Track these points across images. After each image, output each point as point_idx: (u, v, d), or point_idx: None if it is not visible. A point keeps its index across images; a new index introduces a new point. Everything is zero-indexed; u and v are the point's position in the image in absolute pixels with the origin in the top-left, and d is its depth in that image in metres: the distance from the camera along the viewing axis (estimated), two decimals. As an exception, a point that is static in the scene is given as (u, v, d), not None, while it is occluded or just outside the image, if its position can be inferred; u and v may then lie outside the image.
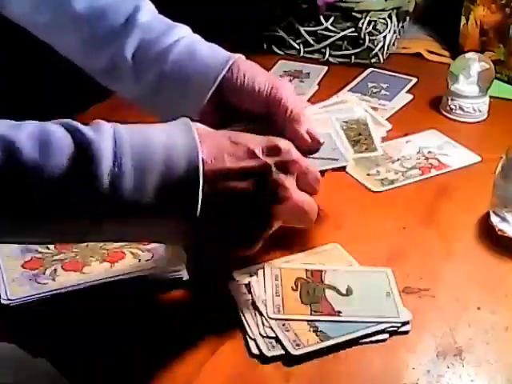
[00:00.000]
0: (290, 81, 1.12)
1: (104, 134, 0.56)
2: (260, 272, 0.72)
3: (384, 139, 0.87)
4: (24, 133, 0.54)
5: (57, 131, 0.55)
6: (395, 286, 0.71)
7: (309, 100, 1.06)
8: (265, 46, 1.21)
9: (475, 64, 1.03)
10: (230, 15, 1.24)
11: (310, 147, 0.76)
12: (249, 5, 1.21)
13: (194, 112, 0.78)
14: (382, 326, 0.66)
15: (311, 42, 1.19)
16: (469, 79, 1.03)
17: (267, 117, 0.78)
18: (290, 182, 0.62)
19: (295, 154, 0.63)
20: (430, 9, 1.32)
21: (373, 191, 0.87)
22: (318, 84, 1.12)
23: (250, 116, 0.79)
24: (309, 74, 1.15)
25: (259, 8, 1.20)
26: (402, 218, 0.83)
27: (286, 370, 0.63)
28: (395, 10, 1.19)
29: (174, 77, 0.78)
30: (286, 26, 1.20)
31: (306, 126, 0.77)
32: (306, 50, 1.20)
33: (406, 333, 0.67)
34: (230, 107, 0.78)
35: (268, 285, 0.70)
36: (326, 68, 1.17)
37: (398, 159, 0.93)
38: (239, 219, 0.60)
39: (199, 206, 0.57)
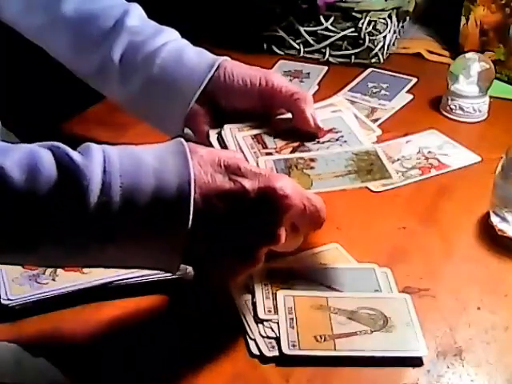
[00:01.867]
0: (290, 81, 1.12)
1: (93, 161, 0.55)
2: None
3: (375, 144, 0.87)
4: (12, 159, 0.53)
5: (45, 156, 0.54)
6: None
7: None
8: (265, 46, 1.21)
9: (475, 64, 1.03)
10: (230, 15, 1.24)
11: (313, 130, 0.77)
12: (249, 5, 1.21)
13: (180, 115, 0.78)
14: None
15: (311, 41, 1.19)
16: (469, 79, 1.03)
17: (260, 109, 0.78)
18: (281, 227, 0.60)
19: (294, 197, 0.60)
20: (430, 9, 1.32)
21: (373, 191, 0.87)
22: (318, 84, 1.12)
23: (241, 115, 0.79)
24: (309, 73, 1.15)
25: (259, 8, 1.20)
26: (402, 218, 0.83)
27: (286, 370, 0.63)
28: (395, 10, 1.19)
29: (161, 80, 0.78)
30: (286, 25, 1.20)
31: (312, 108, 0.77)
32: (305, 50, 1.20)
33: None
34: (221, 109, 0.79)
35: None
36: (325, 68, 1.17)
37: (398, 159, 0.93)
38: (225, 252, 0.59)
39: (188, 231, 0.56)
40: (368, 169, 0.73)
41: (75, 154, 0.55)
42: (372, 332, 0.65)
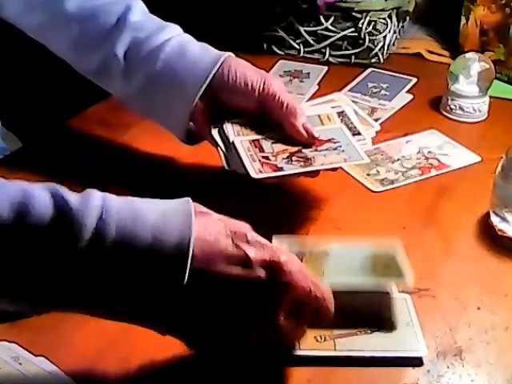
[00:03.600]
0: (290, 81, 1.12)
1: (89, 206, 0.52)
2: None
3: (373, 139, 0.88)
4: (4, 195, 0.51)
5: (39, 197, 0.52)
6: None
7: (308, 100, 1.06)
8: (265, 46, 1.21)
9: (475, 64, 1.03)
10: (230, 15, 1.24)
11: (305, 142, 0.77)
12: (249, 5, 1.21)
13: (185, 110, 0.78)
14: (399, 354, 0.64)
15: (311, 42, 1.19)
16: (469, 79, 1.03)
17: (260, 113, 0.78)
18: (278, 305, 0.56)
19: (298, 276, 0.56)
20: (430, 9, 1.32)
21: (373, 191, 0.87)
22: (318, 84, 1.12)
23: (242, 114, 0.79)
24: (309, 73, 1.15)
25: (259, 8, 1.20)
26: (402, 218, 0.83)
27: (286, 370, 0.63)
28: (395, 10, 1.19)
29: (165, 75, 0.78)
30: (286, 25, 1.20)
31: (303, 119, 0.77)
32: (305, 50, 1.20)
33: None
34: (222, 106, 0.79)
35: None
36: (325, 68, 1.17)
37: (398, 159, 0.93)
38: (218, 326, 0.56)
39: (178, 300, 0.54)
40: (383, 271, 0.68)
41: (72, 198, 0.52)
42: (372, 332, 0.65)
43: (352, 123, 0.81)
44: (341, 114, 0.82)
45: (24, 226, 0.51)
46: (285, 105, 0.77)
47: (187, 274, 0.52)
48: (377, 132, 0.89)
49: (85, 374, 0.63)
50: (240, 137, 0.78)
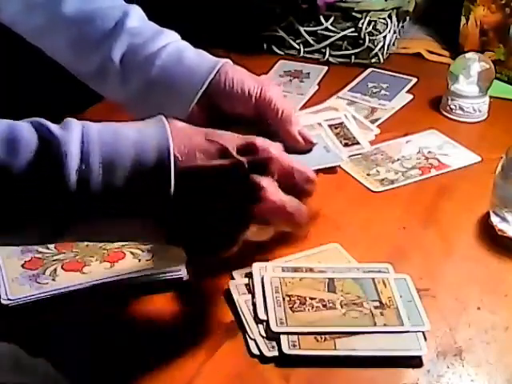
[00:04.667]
0: (290, 81, 1.12)
1: (72, 132, 0.56)
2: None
3: (372, 143, 0.88)
4: None
5: (25, 130, 0.55)
6: (416, 293, 0.69)
7: (309, 100, 1.06)
8: (265, 46, 1.21)
9: (475, 64, 1.03)
10: (230, 15, 1.24)
11: (302, 148, 0.77)
12: (249, 5, 1.21)
13: (180, 116, 0.78)
14: (399, 354, 0.65)
15: (311, 42, 1.19)
16: (469, 79, 1.03)
17: (257, 120, 0.78)
18: (266, 181, 0.60)
19: (275, 151, 0.61)
20: (430, 9, 1.32)
21: (373, 191, 0.87)
22: (318, 84, 1.12)
23: (240, 120, 0.79)
24: (309, 73, 1.15)
25: (259, 8, 1.20)
26: (402, 218, 0.83)
27: (286, 370, 0.63)
28: (395, 10, 1.19)
29: (161, 82, 0.78)
30: (286, 26, 1.20)
31: (298, 126, 0.77)
32: (306, 50, 1.20)
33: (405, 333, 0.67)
34: (220, 112, 0.79)
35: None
36: (325, 68, 1.17)
37: (398, 159, 0.93)
38: (212, 219, 0.59)
39: (170, 203, 0.57)
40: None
41: (54, 127, 0.56)
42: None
43: (351, 134, 0.81)
44: (339, 125, 0.82)
45: (15, 157, 0.54)
46: (280, 112, 0.77)
47: (173, 176, 0.56)
48: (376, 135, 0.89)
49: (84, 374, 0.63)
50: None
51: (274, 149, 0.61)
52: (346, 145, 0.77)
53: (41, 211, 0.55)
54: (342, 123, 0.81)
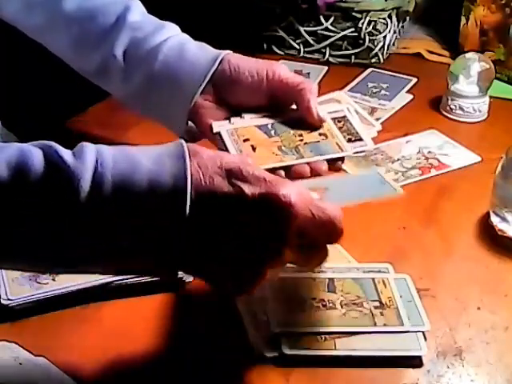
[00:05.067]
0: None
1: (85, 161, 0.53)
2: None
3: (374, 139, 0.87)
4: (1, 157, 0.52)
5: (35, 155, 0.53)
6: (416, 293, 0.69)
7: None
8: (265, 46, 1.21)
9: (475, 64, 1.03)
10: (230, 15, 1.24)
11: (315, 123, 0.76)
12: (249, 5, 1.21)
13: (183, 110, 0.78)
14: (399, 354, 0.64)
15: (311, 41, 1.19)
16: (469, 79, 1.03)
17: (271, 104, 0.78)
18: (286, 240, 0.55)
19: (299, 205, 0.55)
20: (430, 9, 1.32)
21: (373, 191, 0.87)
22: (318, 84, 1.11)
23: (250, 107, 0.78)
24: (309, 74, 1.15)
25: (259, 8, 1.20)
26: (402, 218, 0.83)
27: (286, 370, 0.63)
28: (395, 10, 1.19)
29: (163, 75, 0.78)
30: (286, 25, 1.20)
31: (315, 100, 0.76)
32: (306, 49, 1.20)
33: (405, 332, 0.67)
34: (229, 102, 0.78)
35: None
36: (325, 68, 1.17)
37: (398, 159, 0.93)
38: (225, 265, 0.56)
39: (179, 242, 0.54)
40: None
41: (66, 154, 0.53)
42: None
43: (354, 129, 0.81)
44: (342, 119, 0.82)
45: (22, 185, 0.52)
46: (300, 83, 0.76)
47: (186, 218, 0.53)
48: (378, 132, 0.88)
49: (85, 373, 0.63)
50: (238, 123, 0.77)
51: (299, 199, 0.55)
52: (349, 140, 0.77)
53: (46, 240, 0.53)
54: (344, 116, 0.81)
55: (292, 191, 0.55)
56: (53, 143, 0.54)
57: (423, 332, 0.66)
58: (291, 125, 0.77)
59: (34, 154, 0.53)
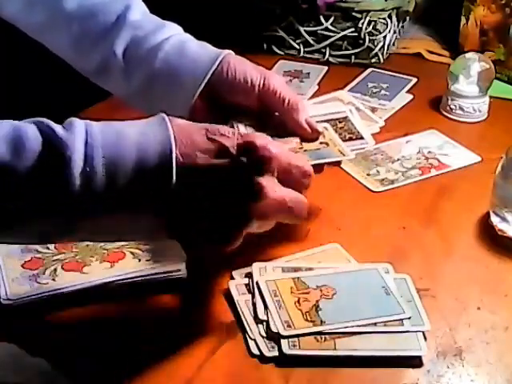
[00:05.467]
0: (290, 81, 1.12)
1: (76, 134, 0.56)
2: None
3: (374, 135, 0.87)
4: None
5: (29, 130, 0.55)
6: (416, 293, 0.70)
7: (308, 100, 1.06)
8: (265, 46, 1.21)
9: (475, 64, 1.03)
10: (230, 15, 1.24)
11: (309, 137, 0.77)
12: (249, 5, 1.21)
13: (184, 109, 0.78)
14: (399, 354, 0.64)
15: (311, 42, 1.19)
16: (469, 79, 1.03)
17: (260, 110, 0.78)
18: (266, 179, 0.60)
19: (274, 150, 0.61)
20: (430, 9, 1.32)
21: (373, 191, 0.87)
22: (318, 84, 1.12)
23: (242, 110, 0.79)
24: (309, 73, 1.15)
25: (259, 8, 1.20)
26: (402, 218, 0.83)
27: (286, 370, 0.63)
28: (395, 10, 1.19)
29: (164, 74, 0.79)
30: (286, 25, 1.20)
31: (305, 114, 0.77)
32: (305, 50, 1.20)
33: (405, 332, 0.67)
34: (222, 103, 0.79)
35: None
36: (325, 68, 1.17)
37: (398, 159, 0.93)
38: (211, 215, 0.59)
39: (170, 200, 0.57)
40: None
41: (58, 128, 0.56)
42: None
43: (355, 128, 0.81)
44: (344, 119, 0.82)
45: (19, 158, 0.54)
46: (286, 100, 0.77)
47: (174, 176, 0.57)
48: (381, 128, 0.88)
49: (85, 373, 0.63)
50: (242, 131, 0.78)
51: (274, 146, 0.61)
52: (349, 139, 0.77)
53: (44, 211, 0.56)
54: (346, 117, 0.81)
55: (270, 142, 0.61)
56: (44, 119, 0.57)
57: (423, 332, 0.66)
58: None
59: (28, 129, 0.56)
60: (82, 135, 0.56)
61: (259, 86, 0.77)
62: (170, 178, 0.57)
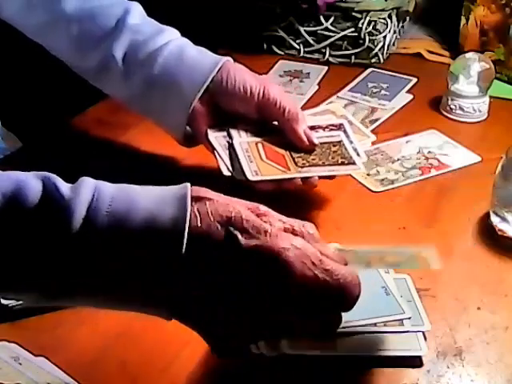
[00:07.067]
0: (290, 81, 1.12)
1: (81, 195, 0.51)
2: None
3: (368, 146, 0.88)
4: None
5: (32, 186, 0.51)
6: (416, 293, 0.69)
7: (309, 100, 1.06)
8: (265, 46, 1.21)
9: (475, 64, 1.03)
10: (230, 15, 1.24)
11: (306, 148, 0.77)
12: (249, 5, 1.21)
13: (182, 114, 0.78)
14: (399, 354, 0.64)
15: (311, 41, 1.19)
16: (469, 79, 1.03)
17: (259, 119, 0.79)
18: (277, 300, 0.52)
19: (294, 262, 0.51)
20: (430, 9, 1.32)
21: (373, 191, 0.87)
22: (318, 84, 1.12)
23: (241, 118, 0.79)
24: (309, 73, 1.15)
25: (259, 8, 1.20)
26: (402, 218, 0.83)
27: (285, 370, 0.63)
28: (395, 10, 1.19)
29: (163, 79, 0.79)
30: (286, 26, 1.20)
31: (304, 125, 0.77)
32: (305, 50, 1.20)
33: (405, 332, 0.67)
34: (221, 110, 0.79)
35: None
36: (325, 68, 1.17)
37: (398, 159, 0.93)
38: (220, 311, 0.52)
39: (175, 289, 0.52)
40: None
41: (64, 187, 0.52)
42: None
43: (348, 153, 0.81)
44: (338, 143, 0.83)
45: (15, 215, 0.51)
46: (286, 110, 0.77)
47: (180, 259, 0.51)
48: (372, 142, 0.89)
49: (85, 373, 0.63)
50: (238, 138, 0.78)
51: (299, 256, 0.51)
52: (342, 163, 0.79)
53: (40, 274, 0.51)
54: (340, 141, 0.82)
55: (292, 246, 0.51)
56: (54, 176, 0.53)
57: (423, 332, 0.66)
58: (285, 146, 0.79)
59: (31, 184, 0.52)
60: (87, 197, 0.51)
61: (258, 95, 0.77)
62: (175, 260, 0.51)
